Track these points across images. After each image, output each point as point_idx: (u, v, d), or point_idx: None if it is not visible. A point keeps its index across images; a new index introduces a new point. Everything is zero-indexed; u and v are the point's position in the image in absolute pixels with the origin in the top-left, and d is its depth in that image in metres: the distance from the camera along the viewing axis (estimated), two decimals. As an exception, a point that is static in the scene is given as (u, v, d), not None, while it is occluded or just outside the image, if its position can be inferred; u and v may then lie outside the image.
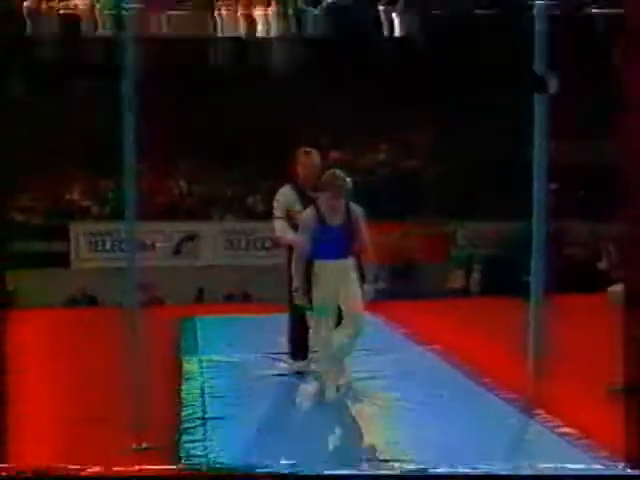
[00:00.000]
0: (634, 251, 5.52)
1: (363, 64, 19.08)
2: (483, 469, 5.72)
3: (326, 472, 5.67)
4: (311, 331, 7.83)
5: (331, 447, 6.63)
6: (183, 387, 7.93)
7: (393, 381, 8.04)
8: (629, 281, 5.81)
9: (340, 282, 7.39)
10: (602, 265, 16.86)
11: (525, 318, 7.35)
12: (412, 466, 5.83)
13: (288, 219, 7.90)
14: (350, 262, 7.47)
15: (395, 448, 6.34)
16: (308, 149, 8.09)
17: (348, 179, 7.36)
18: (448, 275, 17.80)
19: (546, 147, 7.16)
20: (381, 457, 6.10)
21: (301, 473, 5.66)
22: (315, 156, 8.03)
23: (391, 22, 15.34)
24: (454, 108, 18.47)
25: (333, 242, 7.35)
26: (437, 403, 7.37)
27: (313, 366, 7.96)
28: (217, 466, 5.87)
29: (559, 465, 5.78)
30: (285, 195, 8.06)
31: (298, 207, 7.84)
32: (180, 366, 8.71)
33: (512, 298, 9.28)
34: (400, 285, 16.15)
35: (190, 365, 8.71)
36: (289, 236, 7.83)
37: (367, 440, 6.69)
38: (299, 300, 7.48)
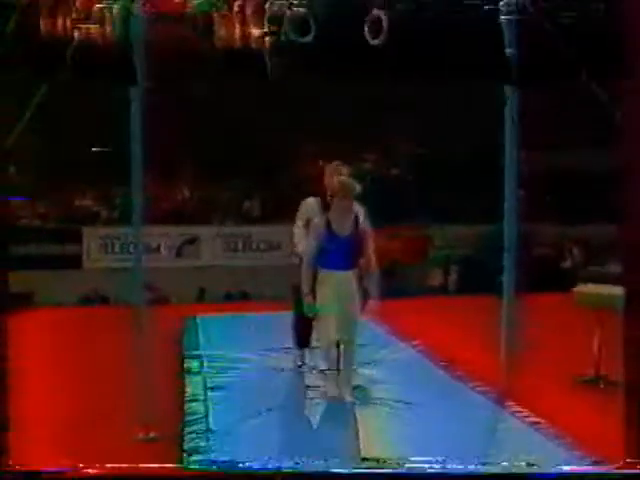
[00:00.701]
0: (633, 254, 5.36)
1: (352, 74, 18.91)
2: (483, 469, 5.55)
3: (325, 471, 5.54)
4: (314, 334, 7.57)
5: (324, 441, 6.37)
6: (186, 382, 7.80)
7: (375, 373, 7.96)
8: (628, 283, 5.50)
9: (342, 295, 7.05)
10: (566, 264, 16.83)
11: (498, 315, 7.32)
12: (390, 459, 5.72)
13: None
14: (353, 275, 7.13)
15: (374, 439, 6.33)
16: (339, 164, 7.59)
17: (357, 185, 7.02)
18: (427, 274, 17.74)
19: (516, 155, 7.13)
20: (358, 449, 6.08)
21: (302, 471, 5.50)
22: (344, 171, 7.47)
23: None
24: (434, 118, 18.44)
25: (340, 252, 6.98)
26: (415, 396, 7.23)
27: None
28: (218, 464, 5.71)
29: (560, 466, 5.61)
30: (308, 205, 7.65)
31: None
32: (183, 362, 8.57)
33: (486, 296, 9.18)
34: (384, 284, 16.02)
35: (192, 361, 8.53)
36: (300, 246, 7.56)
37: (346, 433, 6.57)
38: (307, 305, 7.14)
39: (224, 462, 5.67)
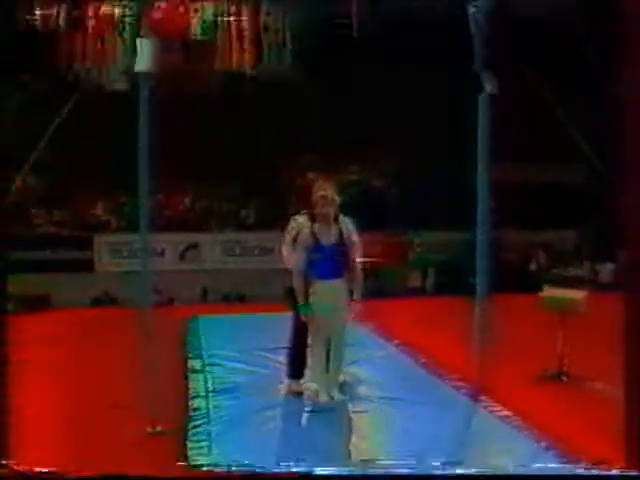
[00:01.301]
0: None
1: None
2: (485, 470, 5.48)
3: (325, 472, 5.55)
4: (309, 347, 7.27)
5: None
6: (189, 379, 7.77)
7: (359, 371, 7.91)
8: (629, 285, 5.48)
9: (331, 302, 6.96)
10: (532, 267, 16.89)
11: (471, 315, 7.36)
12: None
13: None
14: (342, 283, 7.03)
15: (361, 437, 6.31)
16: (325, 181, 7.38)
17: (336, 197, 6.98)
18: (407, 276, 17.78)
19: (488, 168, 7.15)
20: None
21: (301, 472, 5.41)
22: (330, 188, 7.17)
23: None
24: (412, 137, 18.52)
25: (327, 261, 6.89)
26: (397, 392, 7.25)
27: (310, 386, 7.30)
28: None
29: (561, 466, 5.57)
30: (297, 222, 7.37)
31: None
32: (186, 361, 8.52)
33: (460, 297, 9.22)
34: (369, 285, 16.09)
35: (195, 360, 8.46)
36: (289, 262, 7.29)
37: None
38: (302, 307, 7.03)
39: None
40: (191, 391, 7.37)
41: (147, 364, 6.38)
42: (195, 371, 8.09)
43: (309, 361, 7.21)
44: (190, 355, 8.76)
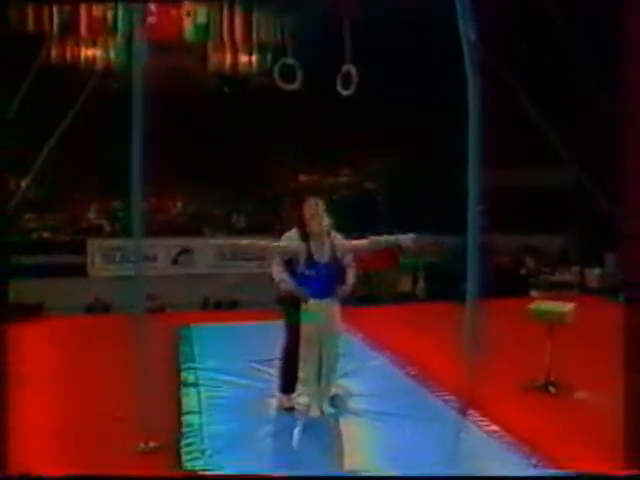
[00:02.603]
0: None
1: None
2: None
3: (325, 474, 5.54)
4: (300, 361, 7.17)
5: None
6: (182, 394, 7.68)
7: (350, 384, 7.90)
8: (629, 288, 5.50)
9: (324, 322, 6.96)
10: (522, 271, 16.92)
11: (462, 320, 7.31)
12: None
13: (286, 263, 7.17)
14: (335, 301, 7.03)
15: (351, 448, 6.36)
16: (315, 199, 7.20)
17: (321, 207, 6.98)
18: (398, 280, 17.77)
19: (478, 173, 7.15)
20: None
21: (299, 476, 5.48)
22: (321, 205, 7.09)
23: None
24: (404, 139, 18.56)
25: (320, 280, 6.84)
26: (387, 406, 7.26)
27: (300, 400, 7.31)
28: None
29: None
30: (288, 239, 7.26)
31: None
32: (179, 373, 8.45)
33: (451, 302, 9.22)
34: (359, 289, 16.12)
35: (188, 374, 8.38)
36: (279, 279, 7.20)
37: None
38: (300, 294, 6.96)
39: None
40: (184, 406, 7.30)
41: (140, 377, 6.36)
42: (188, 384, 8.02)
43: (301, 373, 7.17)
44: (183, 367, 8.70)
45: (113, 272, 16.30)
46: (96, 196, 19.52)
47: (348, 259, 7.17)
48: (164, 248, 17.12)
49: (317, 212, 6.99)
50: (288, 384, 7.33)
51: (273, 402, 7.37)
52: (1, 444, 5.15)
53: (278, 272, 7.17)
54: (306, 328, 6.99)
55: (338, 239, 7.07)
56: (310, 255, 6.91)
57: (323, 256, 6.93)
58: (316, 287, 6.91)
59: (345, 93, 7.30)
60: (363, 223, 17.73)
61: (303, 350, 7.05)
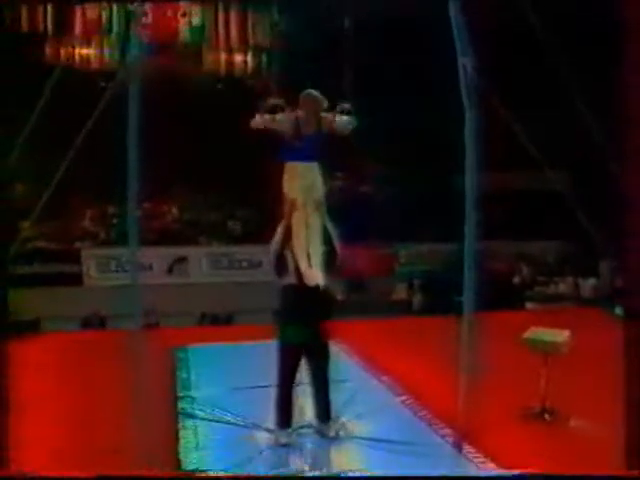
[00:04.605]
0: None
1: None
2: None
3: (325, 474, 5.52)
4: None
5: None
6: (180, 426, 7.63)
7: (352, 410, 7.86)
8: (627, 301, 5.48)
9: (308, 190, 7.22)
10: (517, 279, 16.89)
11: (458, 336, 7.21)
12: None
13: None
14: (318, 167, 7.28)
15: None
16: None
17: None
18: (393, 288, 17.77)
19: (476, 179, 7.11)
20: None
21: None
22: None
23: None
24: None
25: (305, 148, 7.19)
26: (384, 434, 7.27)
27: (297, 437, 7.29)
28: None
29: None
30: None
31: None
32: (176, 402, 8.40)
33: (447, 314, 9.13)
34: (354, 296, 16.18)
35: (185, 403, 8.33)
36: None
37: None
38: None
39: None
40: (182, 441, 7.26)
41: (137, 405, 6.32)
42: (185, 415, 7.96)
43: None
44: (180, 394, 8.65)
45: (109, 281, 16.22)
46: (91, 203, 19.38)
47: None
48: (159, 258, 17.05)
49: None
50: (284, 418, 7.27)
51: (269, 437, 7.30)
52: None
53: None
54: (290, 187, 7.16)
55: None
56: (298, 128, 7.12)
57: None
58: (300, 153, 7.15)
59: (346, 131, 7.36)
60: (359, 227, 17.83)
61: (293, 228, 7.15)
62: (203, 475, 6.04)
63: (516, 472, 6.21)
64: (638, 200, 5.23)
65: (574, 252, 17.21)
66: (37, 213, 6.93)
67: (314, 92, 7.30)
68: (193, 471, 5.87)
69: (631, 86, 5.18)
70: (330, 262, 7.24)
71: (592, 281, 15.81)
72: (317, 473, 6.51)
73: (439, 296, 14.62)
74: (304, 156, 7.19)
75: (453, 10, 6.79)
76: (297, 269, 7.16)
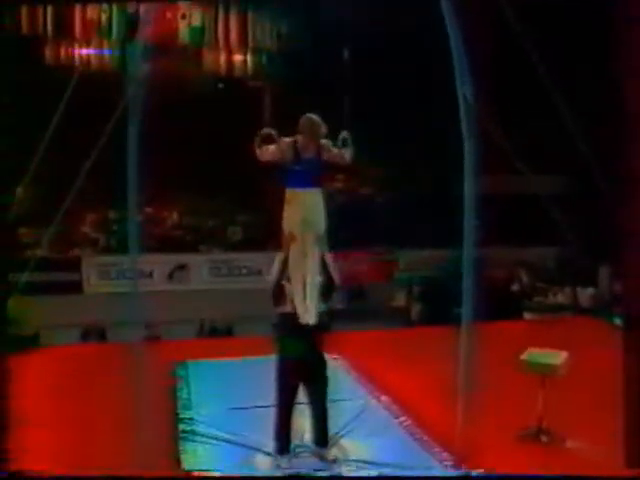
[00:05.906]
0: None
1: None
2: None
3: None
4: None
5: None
6: (180, 449, 7.57)
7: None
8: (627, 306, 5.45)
9: (306, 215, 7.18)
10: (515, 288, 16.85)
11: (456, 349, 7.21)
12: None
13: None
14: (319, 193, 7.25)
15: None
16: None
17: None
18: (392, 295, 17.75)
19: (475, 185, 7.12)
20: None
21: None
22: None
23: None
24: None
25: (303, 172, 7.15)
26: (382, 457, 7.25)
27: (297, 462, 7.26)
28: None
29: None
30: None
31: None
32: (177, 422, 8.34)
33: (446, 324, 9.06)
34: (353, 303, 16.19)
35: (185, 424, 8.28)
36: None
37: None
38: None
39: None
40: (183, 465, 7.19)
41: (138, 423, 6.40)
42: (186, 437, 7.92)
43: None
44: (181, 415, 8.60)
45: (109, 289, 16.20)
46: (91, 208, 19.32)
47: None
48: (160, 265, 17.03)
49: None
50: (283, 444, 7.26)
51: (269, 462, 7.29)
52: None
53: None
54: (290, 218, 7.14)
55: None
56: (297, 152, 7.12)
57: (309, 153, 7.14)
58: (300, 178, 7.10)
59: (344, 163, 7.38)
60: (362, 238, 17.83)
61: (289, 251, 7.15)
62: (203, 475, 6.02)
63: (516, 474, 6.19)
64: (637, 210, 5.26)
65: (573, 258, 17.18)
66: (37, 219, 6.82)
67: (314, 116, 7.29)
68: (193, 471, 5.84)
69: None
70: (327, 293, 7.27)
71: (590, 290, 15.79)
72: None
73: (438, 305, 14.60)
74: (304, 181, 7.14)
75: (454, 41, 6.81)
76: (293, 301, 7.20)
